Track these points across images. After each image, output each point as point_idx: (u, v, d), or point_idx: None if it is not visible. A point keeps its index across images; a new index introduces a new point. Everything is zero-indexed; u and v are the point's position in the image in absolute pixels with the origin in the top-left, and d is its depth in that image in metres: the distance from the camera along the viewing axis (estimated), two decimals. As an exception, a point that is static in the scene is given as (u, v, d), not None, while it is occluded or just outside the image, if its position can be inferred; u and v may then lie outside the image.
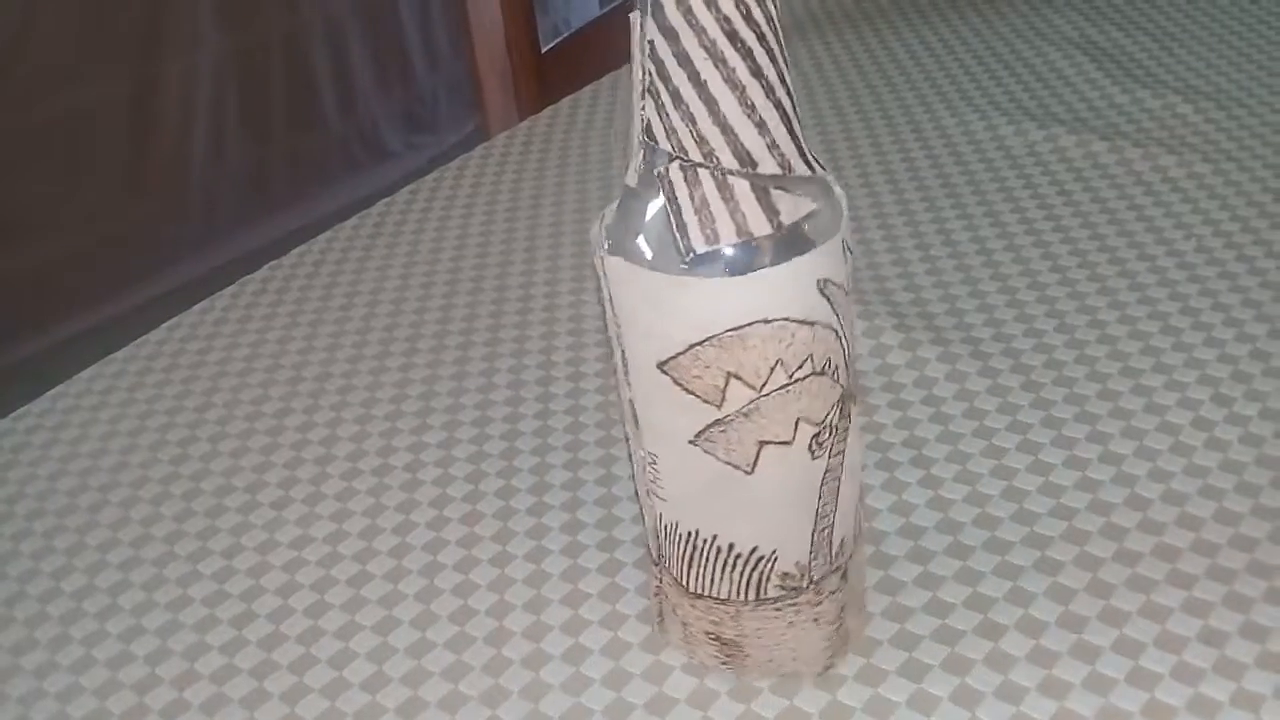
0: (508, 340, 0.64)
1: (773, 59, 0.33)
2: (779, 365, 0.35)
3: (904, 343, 0.59)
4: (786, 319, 0.35)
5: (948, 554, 0.47)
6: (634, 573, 0.48)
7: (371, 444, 0.58)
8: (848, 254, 0.36)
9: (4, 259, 1.75)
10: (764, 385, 0.35)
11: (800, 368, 0.35)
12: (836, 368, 0.36)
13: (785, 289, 0.34)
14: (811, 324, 0.35)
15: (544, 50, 1.06)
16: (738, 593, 0.39)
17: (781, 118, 0.34)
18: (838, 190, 0.37)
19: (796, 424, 0.36)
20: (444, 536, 0.52)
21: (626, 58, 1.01)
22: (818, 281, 0.35)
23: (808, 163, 0.35)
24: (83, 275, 1.99)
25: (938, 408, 0.55)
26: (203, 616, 0.49)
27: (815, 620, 0.40)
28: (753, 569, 0.38)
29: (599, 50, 1.02)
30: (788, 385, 0.35)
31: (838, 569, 0.40)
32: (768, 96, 0.33)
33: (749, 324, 0.34)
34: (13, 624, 0.50)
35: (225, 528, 0.54)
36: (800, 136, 0.35)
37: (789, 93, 0.34)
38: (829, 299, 0.35)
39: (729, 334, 0.34)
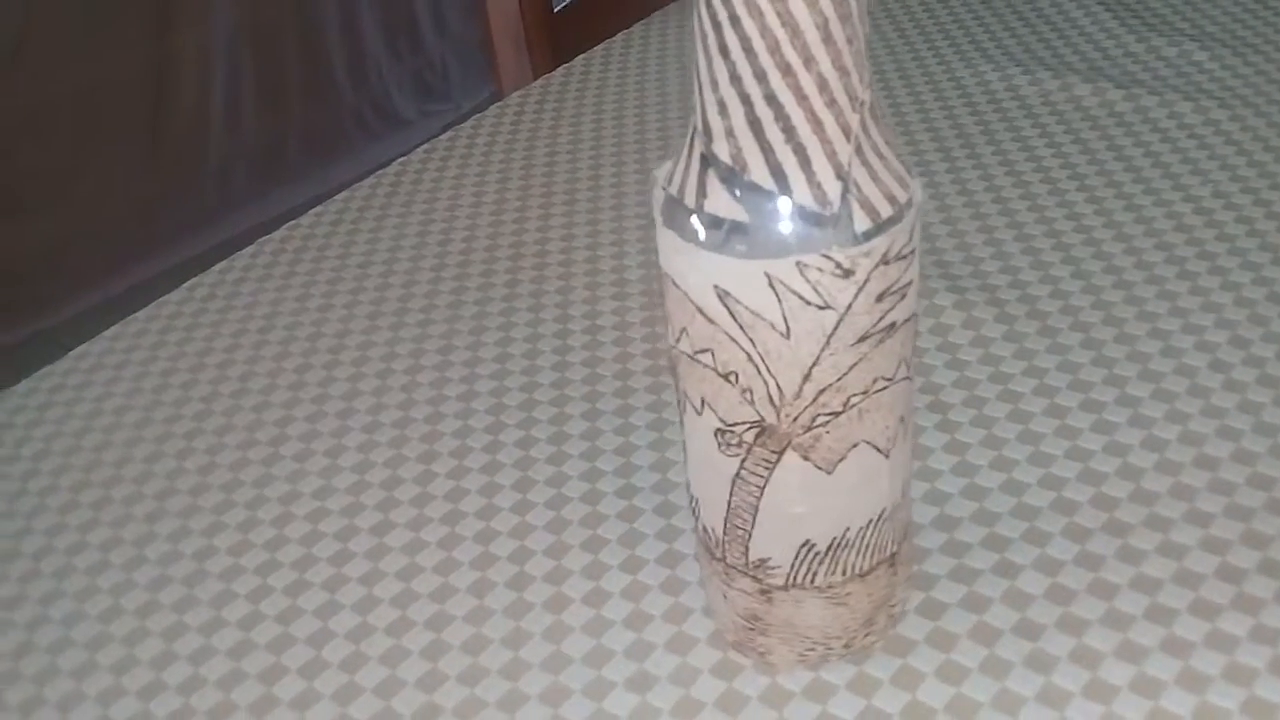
0: (524, 295, 0.64)
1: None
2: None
3: (920, 290, 0.59)
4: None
5: (981, 540, 0.47)
6: (654, 544, 0.49)
7: (392, 398, 0.58)
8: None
9: (20, 232, 1.76)
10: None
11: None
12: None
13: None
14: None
15: (556, 10, 1.05)
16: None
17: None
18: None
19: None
20: (464, 485, 0.52)
21: (638, 17, 1.00)
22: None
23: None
24: (99, 248, 2.00)
25: (954, 355, 0.55)
26: (227, 566, 0.50)
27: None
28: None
29: (611, 10, 1.02)
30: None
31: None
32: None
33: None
34: (40, 577, 0.51)
35: (249, 480, 0.54)
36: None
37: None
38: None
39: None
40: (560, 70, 0.89)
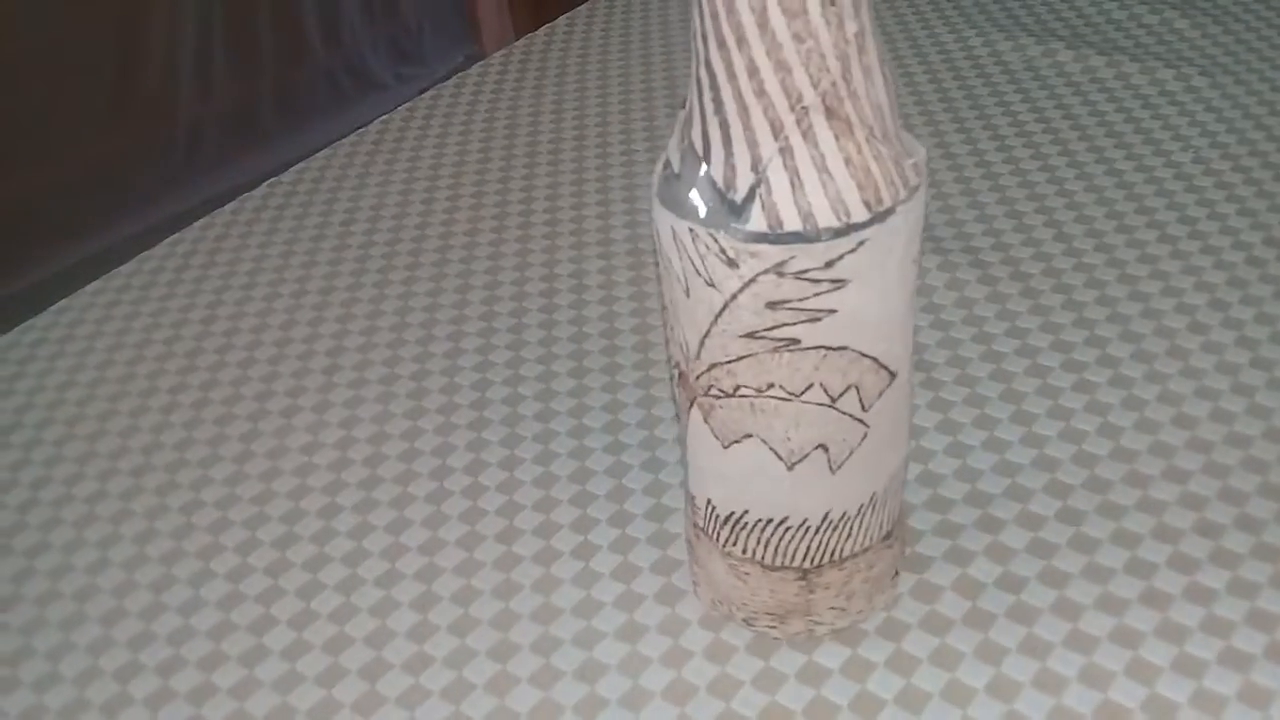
0: (510, 254, 0.64)
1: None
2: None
3: (904, 252, 0.60)
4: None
5: (974, 520, 0.47)
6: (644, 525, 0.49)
7: (378, 354, 0.58)
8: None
9: (-15, 192, 1.72)
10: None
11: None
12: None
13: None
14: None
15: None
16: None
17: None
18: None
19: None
20: (452, 441, 0.52)
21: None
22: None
23: None
24: (66, 211, 1.98)
25: (937, 315, 0.56)
26: (215, 519, 0.50)
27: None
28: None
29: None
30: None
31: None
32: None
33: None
34: (26, 529, 0.51)
35: (235, 434, 0.54)
36: None
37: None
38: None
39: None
40: (543, 29, 0.88)
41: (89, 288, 0.66)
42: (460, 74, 0.83)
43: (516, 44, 0.87)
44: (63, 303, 0.65)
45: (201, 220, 0.71)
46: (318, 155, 0.76)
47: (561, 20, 0.89)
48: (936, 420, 0.50)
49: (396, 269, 0.64)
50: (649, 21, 0.87)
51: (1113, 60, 0.74)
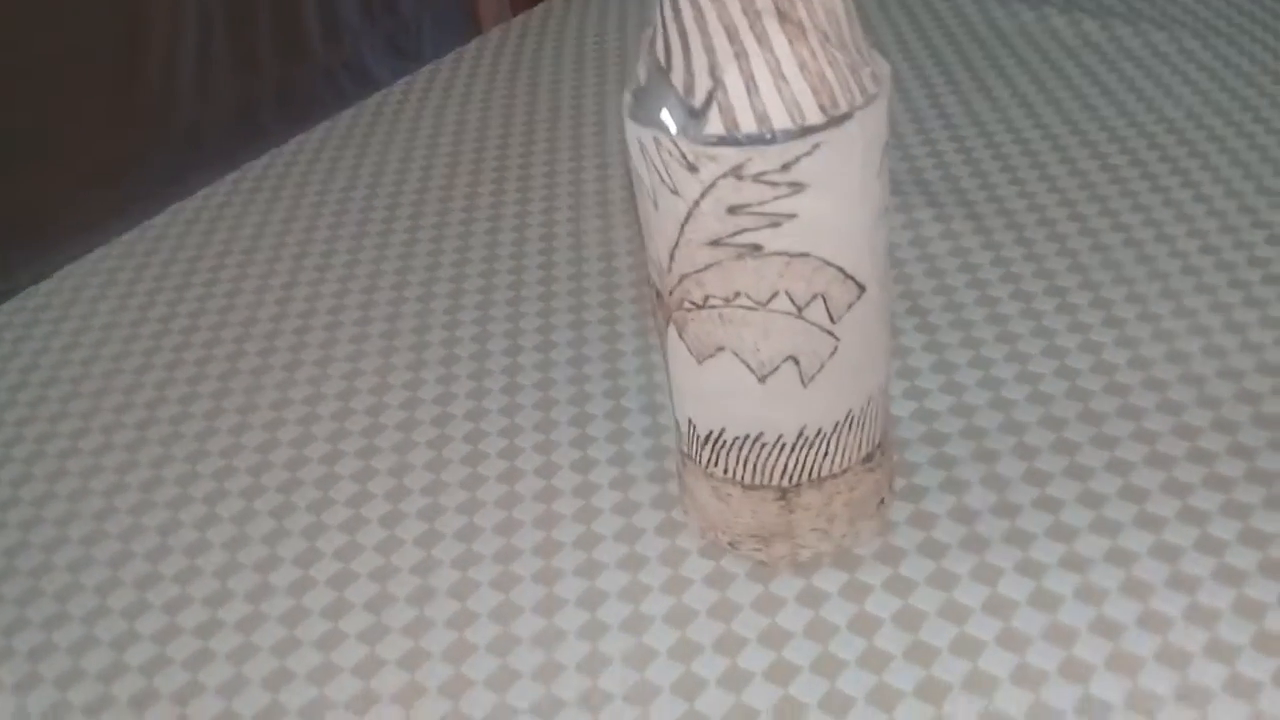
0: (509, 215, 0.65)
1: None
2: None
3: (900, 205, 0.60)
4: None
5: (965, 435, 0.48)
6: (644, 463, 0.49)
7: (378, 311, 0.59)
8: None
9: (-10, 192, 1.73)
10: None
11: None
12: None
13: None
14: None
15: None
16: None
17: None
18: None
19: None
20: (453, 390, 0.53)
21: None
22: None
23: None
24: (68, 210, 1.99)
25: (931, 263, 0.56)
26: (219, 467, 0.50)
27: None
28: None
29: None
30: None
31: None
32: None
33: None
34: (33, 479, 0.51)
35: (238, 388, 0.55)
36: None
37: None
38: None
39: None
40: (540, 7, 0.89)
41: (93, 254, 0.67)
42: (459, 48, 0.84)
43: (515, 20, 0.87)
44: (67, 268, 0.66)
45: (204, 189, 0.72)
46: (317, 128, 0.77)
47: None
48: (932, 361, 0.50)
49: (396, 233, 0.65)
50: (645, -4, 0.88)
51: (1106, 24, 0.75)
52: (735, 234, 0.35)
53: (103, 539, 0.48)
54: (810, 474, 0.40)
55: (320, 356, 0.56)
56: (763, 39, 0.33)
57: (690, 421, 0.41)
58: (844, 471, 0.41)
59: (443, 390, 0.53)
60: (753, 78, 0.33)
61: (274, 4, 2.31)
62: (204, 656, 0.42)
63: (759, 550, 0.42)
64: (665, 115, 0.34)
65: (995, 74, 0.72)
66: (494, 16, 1.06)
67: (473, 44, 0.85)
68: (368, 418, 0.52)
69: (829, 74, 0.33)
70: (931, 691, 0.37)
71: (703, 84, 0.33)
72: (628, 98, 0.36)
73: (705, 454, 0.41)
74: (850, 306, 0.37)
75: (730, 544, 0.42)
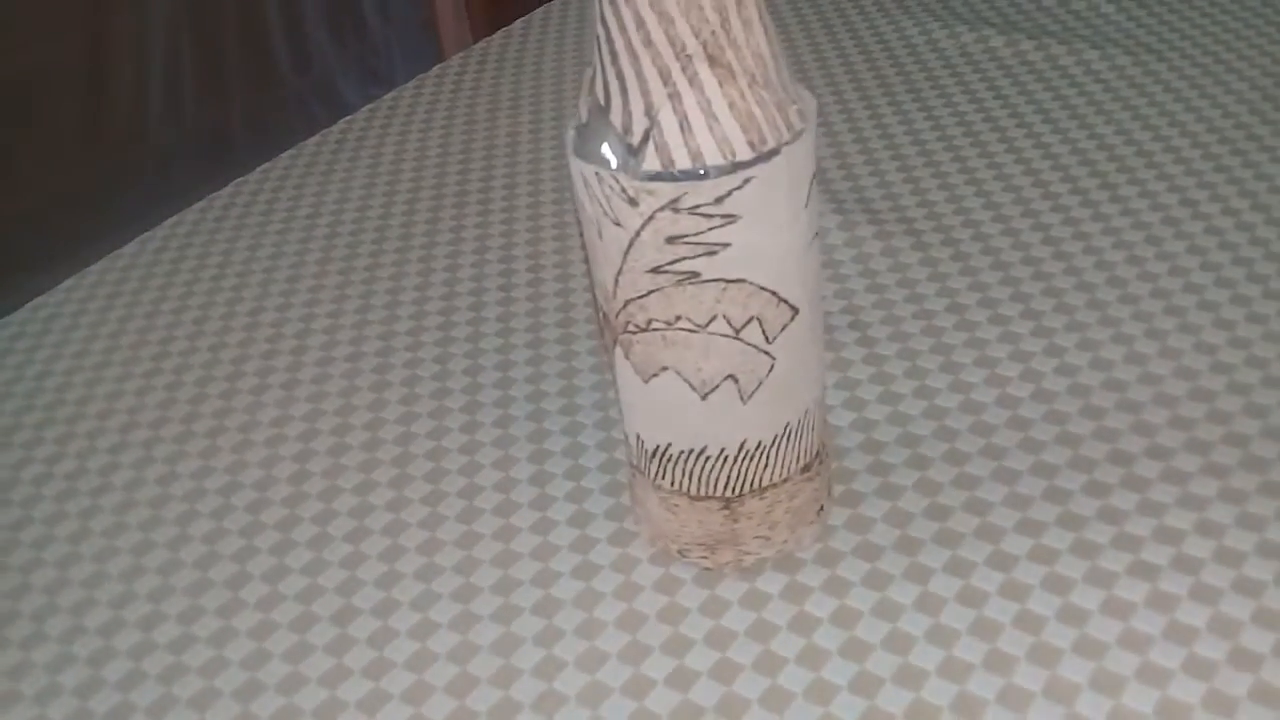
0: (469, 240, 0.67)
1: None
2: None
3: (842, 224, 0.63)
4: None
5: (901, 449, 0.50)
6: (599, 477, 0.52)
7: (343, 335, 0.61)
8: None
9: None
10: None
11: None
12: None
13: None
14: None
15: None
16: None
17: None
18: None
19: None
20: (415, 410, 0.55)
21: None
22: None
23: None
24: (37, 238, 1.99)
25: (872, 279, 0.59)
26: (188, 494, 0.52)
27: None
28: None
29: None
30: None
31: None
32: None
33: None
34: (10, 504, 0.53)
35: (207, 412, 0.57)
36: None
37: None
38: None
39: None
40: (499, 34, 0.91)
41: (64, 284, 0.68)
42: (420, 76, 0.86)
43: (474, 47, 0.90)
44: (38, 300, 0.67)
45: (171, 219, 0.74)
46: (281, 156, 0.79)
47: (517, 24, 0.92)
48: (871, 372, 0.53)
49: (360, 256, 0.67)
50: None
51: (1041, 44, 0.78)
52: (674, 262, 0.37)
53: (75, 561, 0.50)
54: (752, 484, 0.42)
55: (287, 380, 0.58)
56: (694, 81, 0.35)
57: (638, 437, 0.43)
58: (784, 481, 0.43)
59: (405, 410, 0.55)
60: (686, 117, 0.35)
61: (242, 30, 2.33)
62: (167, 701, 0.44)
63: (706, 557, 0.44)
64: (606, 151, 0.37)
65: (936, 93, 0.75)
66: (454, 40, 1.08)
67: (433, 71, 0.87)
68: (333, 438, 0.54)
69: (757, 113, 0.36)
70: (865, 685, 0.40)
71: (640, 123, 0.36)
72: (571, 134, 0.38)
73: (653, 467, 0.43)
74: (784, 328, 0.39)
75: (679, 552, 0.45)
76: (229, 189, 0.76)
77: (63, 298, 0.68)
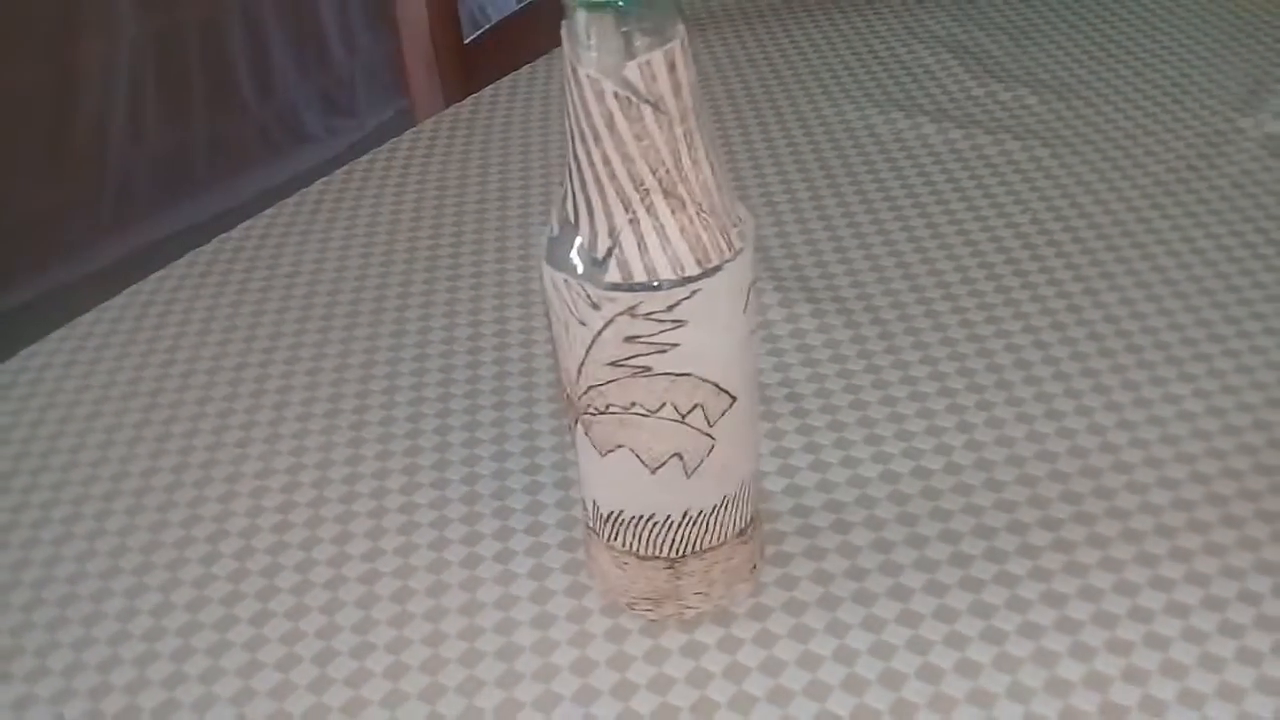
0: (440, 304, 0.73)
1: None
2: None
3: (783, 300, 0.69)
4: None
5: (829, 524, 0.56)
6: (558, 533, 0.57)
7: (323, 391, 0.66)
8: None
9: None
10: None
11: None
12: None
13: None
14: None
15: (467, 42, 1.15)
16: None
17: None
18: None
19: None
20: (389, 465, 0.60)
21: (544, 50, 1.09)
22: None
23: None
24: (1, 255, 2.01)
25: (807, 354, 0.65)
26: (171, 559, 0.57)
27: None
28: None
29: (519, 43, 1.10)
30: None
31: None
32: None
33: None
34: (7, 546, 0.58)
35: (195, 462, 0.62)
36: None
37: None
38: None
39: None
40: (469, 100, 0.97)
41: (55, 334, 0.73)
42: (394, 140, 0.92)
43: (446, 112, 0.95)
44: (31, 348, 0.72)
45: (159, 272, 0.78)
46: (263, 214, 0.84)
47: (487, 91, 0.98)
48: (803, 442, 0.59)
49: (338, 316, 0.72)
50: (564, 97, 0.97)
51: (969, 133, 0.85)
52: (630, 357, 0.43)
53: (18, 654, 0.54)
54: (693, 547, 0.48)
55: (268, 434, 0.63)
56: (650, 209, 0.41)
57: (594, 502, 0.49)
58: (722, 544, 0.49)
59: (380, 466, 0.60)
60: (643, 239, 0.41)
61: (206, 57, 2.37)
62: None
63: (650, 610, 0.50)
64: (574, 260, 0.43)
65: (870, 176, 0.81)
66: (424, 93, 1.13)
67: (406, 135, 0.92)
68: (313, 490, 0.59)
69: (703, 236, 0.42)
70: (787, 727, 0.46)
71: (604, 241, 0.42)
72: (544, 242, 0.44)
73: (607, 529, 0.49)
74: (724, 413, 0.45)
75: (627, 604, 0.50)
76: (212, 245, 0.81)
77: (54, 346, 0.72)
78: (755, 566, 0.51)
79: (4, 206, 2.15)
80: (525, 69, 1.01)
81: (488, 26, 1.24)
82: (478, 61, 1.14)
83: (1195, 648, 0.47)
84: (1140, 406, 0.59)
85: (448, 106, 0.97)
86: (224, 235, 0.82)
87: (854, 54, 0.98)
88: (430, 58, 1.02)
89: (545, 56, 1.03)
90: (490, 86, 0.99)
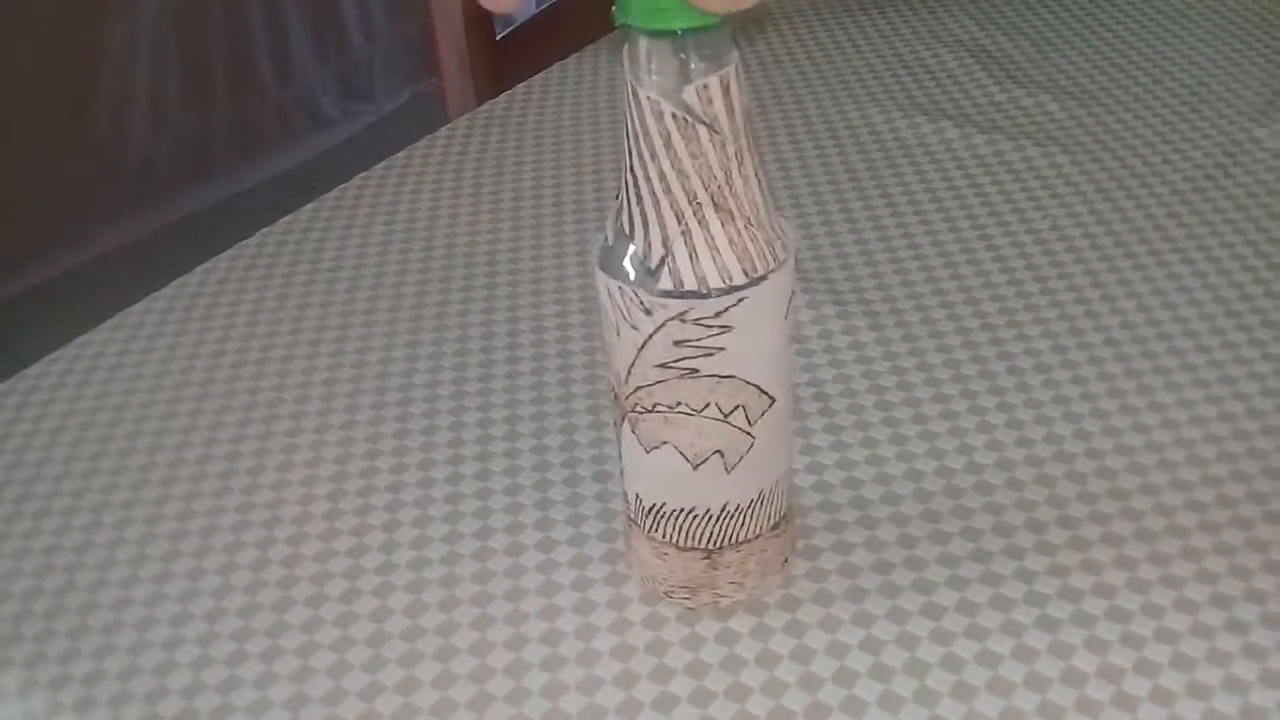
0: (478, 299, 0.75)
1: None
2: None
3: (810, 303, 0.72)
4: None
5: (856, 519, 0.59)
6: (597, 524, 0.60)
7: (368, 384, 0.69)
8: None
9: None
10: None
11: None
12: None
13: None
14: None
15: (499, 38, 1.17)
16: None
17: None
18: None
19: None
20: (433, 456, 0.63)
21: (575, 46, 1.11)
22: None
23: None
24: (18, 239, 2.04)
25: (833, 355, 0.68)
26: (190, 567, 0.60)
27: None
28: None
29: (550, 37, 1.13)
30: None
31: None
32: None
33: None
34: (21, 574, 0.61)
35: (220, 454, 0.65)
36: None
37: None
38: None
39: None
40: (503, 97, 1.00)
41: (78, 340, 0.74)
42: (430, 136, 0.94)
43: (479, 109, 0.98)
44: (56, 353, 0.73)
45: (203, 265, 0.81)
46: (304, 209, 0.86)
47: (520, 88, 1.01)
48: (830, 441, 0.62)
49: (380, 311, 0.75)
50: (597, 93, 0.99)
51: (991, 138, 0.87)
52: (678, 360, 0.46)
53: (43, 661, 0.57)
54: (730, 539, 0.51)
55: (319, 424, 0.66)
56: (702, 222, 0.44)
57: (637, 496, 0.51)
58: (756, 537, 0.52)
59: (424, 456, 0.63)
60: (694, 250, 0.44)
61: (227, 41, 2.40)
62: None
63: (688, 599, 0.53)
64: (628, 268, 0.45)
65: (894, 180, 0.84)
66: (457, 90, 1.16)
67: (442, 132, 0.95)
68: (362, 480, 0.62)
69: (750, 247, 0.45)
70: (816, 713, 0.48)
71: (657, 251, 0.44)
72: (598, 251, 0.47)
73: (649, 521, 0.51)
74: (763, 413, 0.48)
75: (665, 593, 0.53)
76: (255, 238, 0.84)
77: (107, 336, 0.75)
78: (787, 559, 0.54)
79: (26, 187, 2.18)
80: (556, 66, 1.04)
81: (519, 22, 1.26)
82: (512, 59, 1.16)
83: (1204, 642, 0.50)
84: (1154, 411, 0.62)
85: (477, 91, 0.99)
86: (266, 229, 0.85)
87: (879, 58, 1.00)
88: (464, 57, 1.05)
89: (576, 55, 1.05)
90: (523, 84, 1.01)
